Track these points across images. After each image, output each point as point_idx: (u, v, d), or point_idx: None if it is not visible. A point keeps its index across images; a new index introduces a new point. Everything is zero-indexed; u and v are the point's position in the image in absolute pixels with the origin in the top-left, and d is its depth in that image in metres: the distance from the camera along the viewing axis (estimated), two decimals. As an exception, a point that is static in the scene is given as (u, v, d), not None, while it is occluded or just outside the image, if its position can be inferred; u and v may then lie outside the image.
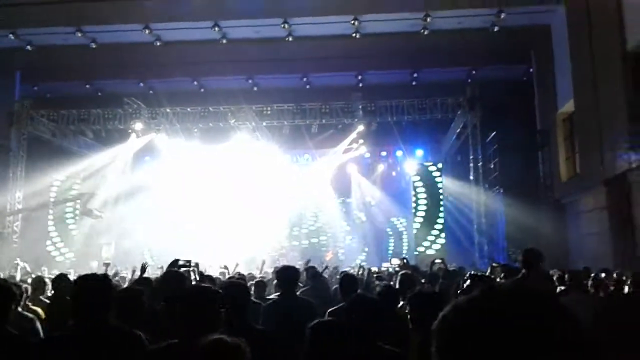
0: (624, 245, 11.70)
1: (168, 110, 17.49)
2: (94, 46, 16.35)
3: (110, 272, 9.05)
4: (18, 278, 8.47)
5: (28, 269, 11.12)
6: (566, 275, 7.14)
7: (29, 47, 16.41)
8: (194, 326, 2.88)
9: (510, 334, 0.82)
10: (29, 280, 7.16)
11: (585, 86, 13.49)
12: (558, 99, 15.70)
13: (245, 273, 8.90)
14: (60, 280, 6.33)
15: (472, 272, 4.57)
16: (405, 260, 6.03)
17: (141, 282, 5.26)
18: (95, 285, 3.02)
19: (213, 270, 9.32)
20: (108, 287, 3.06)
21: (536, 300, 0.88)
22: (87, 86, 19.01)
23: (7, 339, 2.96)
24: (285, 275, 5.31)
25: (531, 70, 17.81)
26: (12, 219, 17.17)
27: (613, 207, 12.30)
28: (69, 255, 19.44)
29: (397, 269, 6.21)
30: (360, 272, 8.04)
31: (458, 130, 18.30)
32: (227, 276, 7.88)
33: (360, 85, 19.01)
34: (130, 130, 17.74)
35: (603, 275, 7.67)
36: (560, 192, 15.82)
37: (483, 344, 0.83)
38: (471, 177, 17.29)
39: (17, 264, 10.60)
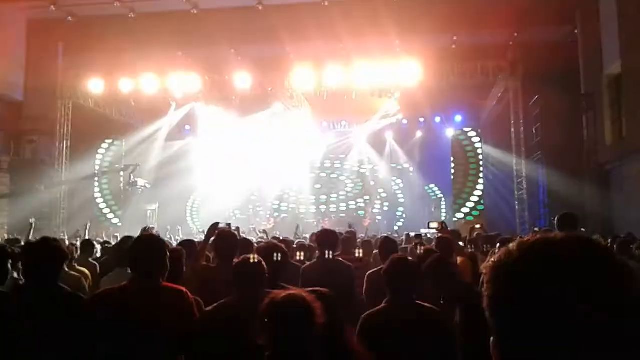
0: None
1: (207, 78, 17.61)
2: (132, 16, 16.53)
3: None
4: (67, 241, 8.83)
5: (81, 232, 11.64)
6: (609, 241, 7.04)
7: (70, 18, 16.71)
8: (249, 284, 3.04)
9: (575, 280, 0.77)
10: (78, 243, 7.47)
11: (633, 46, 12.97)
12: (604, 60, 15.15)
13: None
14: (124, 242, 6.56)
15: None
16: (444, 224, 6.01)
17: (184, 243, 5.43)
18: (152, 246, 3.17)
19: (251, 236, 9.51)
20: (163, 248, 3.20)
21: (598, 250, 0.82)
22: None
23: (60, 294, 3.13)
24: (325, 238, 5.40)
25: (576, 31, 17.18)
26: (63, 188, 17.80)
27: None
28: (115, 221, 20.08)
29: (435, 233, 6.22)
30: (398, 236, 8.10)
31: (499, 95, 17.89)
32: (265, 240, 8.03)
33: (398, 50, 18.68)
34: (171, 100, 18.01)
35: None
36: (605, 158, 15.39)
37: (547, 293, 0.78)
38: (512, 143, 16.95)
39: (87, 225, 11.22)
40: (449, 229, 8.48)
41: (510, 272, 0.83)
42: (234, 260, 4.79)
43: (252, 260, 3.26)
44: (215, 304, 3.26)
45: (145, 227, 5.53)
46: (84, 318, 3.00)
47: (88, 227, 11.78)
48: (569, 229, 4.72)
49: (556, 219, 4.90)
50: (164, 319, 2.99)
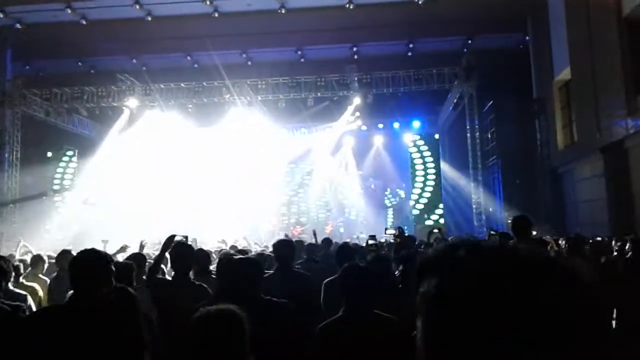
0: (621, 212, 11.75)
1: (162, 86, 17.33)
2: (84, 22, 16.17)
3: (109, 250, 9.07)
4: (17, 256, 8.48)
5: (30, 248, 11.15)
6: (560, 241, 7.19)
7: (18, 25, 16.24)
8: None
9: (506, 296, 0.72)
10: (28, 258, 7.18)
11: (581, 54, 13.39)
12: (554, 67, 15.60)
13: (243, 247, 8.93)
14: (64, 256, 6.35)
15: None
16: (399, 230, 6.01)
17: (135, 257, 5.28)
18: (93, 260, 3.02)
19: (210, 246, 9.34)
20: (105, 262, 3.06)
21: (534, 260, 0.77)
22: (80, 64, 18.82)
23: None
24: (282, 248, 5.31)
25: (527, 38, 17.65)
26: (12, 196, 17.19)
27: (610, 174, 12.31)
28: (68, 234, 19.47)
29: (392, 239, 6.23)
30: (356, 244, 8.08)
31: (455, 101, 18.18)
32: (223, 250, 7.89)
33: (355, 57, 18.86)
34: (124, 107, 17.61)
35: (599, 239, 7.72)
36: (557, 161, 15.82)
37: (482, 314, 0.72)
38: (468, 147, 17.24)
39: (19, 242, 10.66)
40: (407, 234, 8.51)
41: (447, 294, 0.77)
42: (190, 272, 4.71)
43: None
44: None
45: (172, 236, 5.41)
46: (20, 336, 2.85)
47: (23, 245, 11.20)
48: (523, 231, 4.80)
49: (511, 221, 4.98)
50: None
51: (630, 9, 11.37)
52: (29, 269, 6.47)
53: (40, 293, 5.66)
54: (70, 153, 19.74)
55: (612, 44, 11.78)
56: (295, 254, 5.80)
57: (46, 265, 6.76)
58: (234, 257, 4.17)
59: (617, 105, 11.71)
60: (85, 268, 2.97)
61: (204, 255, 5.39)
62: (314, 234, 9.53)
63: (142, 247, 6.56)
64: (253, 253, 7.42)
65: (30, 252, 10.21)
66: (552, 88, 15.93)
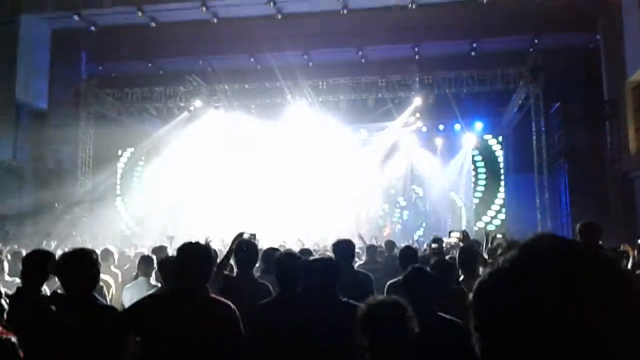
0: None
1: (226, 87, 17.77)
2: (154, 25, 16.76)
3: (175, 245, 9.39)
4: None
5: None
6: (635, 250, 6.89)
7: (92, 28, 17.00)
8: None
9: (546, 296, 0.75)
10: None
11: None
12: (627, 67, 14.91)
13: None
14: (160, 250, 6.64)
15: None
16: (464, 233, 5.94)
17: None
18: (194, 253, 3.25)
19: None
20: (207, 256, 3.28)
21: (584, 260, 0.79)
22: (149, 65, 19.51)
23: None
24: (341, 248, 5.35)
25: (598, 37, 16.96)
26: (83, 197, 18.05)
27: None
28: (136, 230, 20.24)
29: (456, 242, 6.14)
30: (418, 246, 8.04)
31: (520, 102, 17.71)
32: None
33: (417, 57, 18.65)
34: (191, 107, 18.18)
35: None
36: (629, 165, 15.12)
37: (518, 309, 0.77)
38: (534, 150, 16.74)
39: (78, 238, 11.23)
40: (471, 238, 8.38)
41: (487, 288, 0.83)
42: (253, 270, 4.82)
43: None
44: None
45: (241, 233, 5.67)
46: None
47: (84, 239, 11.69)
48: (591, 238, 4.64)
49: (577, 228, 4.82)
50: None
51: None
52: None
53: (113, 285, 5.94)
54: (134, 152, 20.49)
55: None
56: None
57: (117, 257, 7.10)
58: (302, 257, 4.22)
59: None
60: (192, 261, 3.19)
61: (271, 254, 5.49)
62: (360, 237, 9.57)
63: (207, 244, 6.76)
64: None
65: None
66: (625, 89, 15.23)
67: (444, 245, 7.12)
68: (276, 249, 5.82)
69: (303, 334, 3.14)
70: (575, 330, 0.75)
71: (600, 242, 6.98)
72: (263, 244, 10.42)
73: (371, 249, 7.97)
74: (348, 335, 2.53)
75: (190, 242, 3.35)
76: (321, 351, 3.10)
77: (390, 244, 8.66)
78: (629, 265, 6.14)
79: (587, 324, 0.74)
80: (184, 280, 3.18)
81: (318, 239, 12.34)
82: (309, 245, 9.93)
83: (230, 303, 3.18)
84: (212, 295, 3.19)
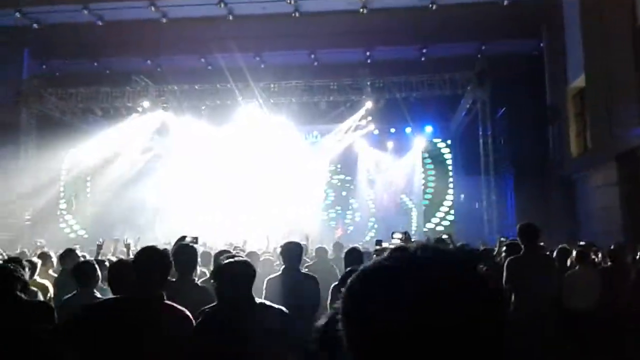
0: (635, 220, 11.63)
1: (175, 87, 17.47)
2: (100, 24, 16.34)
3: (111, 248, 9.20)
4: (28, 254, 8.60)
5: (45, 248, 11.29)
6: (574, 252, 7.15)
7: (35, 25, 16.42)
8: None
9: (404, 299, 0.78)
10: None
11: (596, 61, 13.29)
12: (569, 73, 15.49)
13: (255, 249, 8.96)
14: (68, 254, 6.45)
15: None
16: (406, 235, 6.01)
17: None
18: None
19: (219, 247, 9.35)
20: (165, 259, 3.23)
21: (441, 266, 0.82)
22: (95, 64, 19.00)
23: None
24: (289, 250, 5.34)
25: (542, 44, 17.54)
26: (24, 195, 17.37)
27: (623, 183, 12.20)
28: (81, 233, 19.66)
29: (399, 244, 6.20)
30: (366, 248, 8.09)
31: (468, 106, 18.13)
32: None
33: (369, 61, 18.84)
34: (138, 108, 17.77)
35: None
36: (571, 168, 15.69)
37: (378, 309, 0.80)
38: (481, 153, 17.16)
39: (36, 242, 10.84)
40: (418, 239, 8.49)
41: (354, 288, 0.86)
42: (194, 274, 4.72)
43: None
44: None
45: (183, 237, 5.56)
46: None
47: (40, 244, 11.35)
48: (530, 239, 4.78)
49: (517, 229, 4.97)
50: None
51: (645, 17, 11.29)
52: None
53: (51, 289, 5.73)
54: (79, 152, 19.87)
55: (627, 52, 11.69)
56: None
57: (55, 261, 6.86)
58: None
59: (631, 113, 11.60)
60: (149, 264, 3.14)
61: (209, 257, 5.42)
62: (306, 238, 9.61)
63: (127, 247, 6.65)
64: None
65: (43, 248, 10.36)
66: (566, 95, 15.81)
67: (385, 247, 7.18)
68: (209, 253, 5.77)
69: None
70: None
71: (542, 243, 7.21)
72: (216, 245, 10.29)
73: (320, 250, 7.99)
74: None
75: (150, 247, 3.28)
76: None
77: (339, 246, 8.70)
78: (569, 263, 6.33)
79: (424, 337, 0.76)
80: (140, 287, 3.11)
81: (266, 241, 12.24)
82: (254, 246, 9.86)
83: (185, 311, 3.12)
84: (167, 302, 3.12)
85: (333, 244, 9.18)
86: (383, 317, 0.79)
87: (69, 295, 4.57)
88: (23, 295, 3.77)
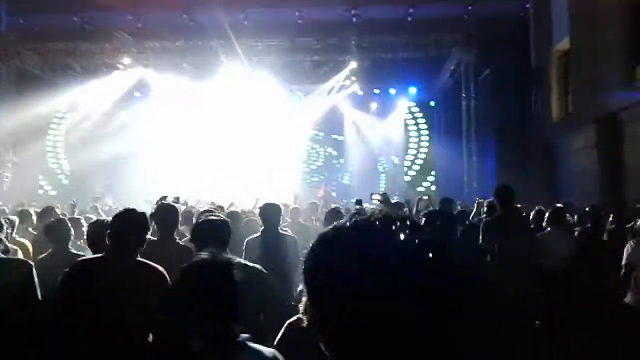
0: (612, 184, 11.84)
1: (157, 44, 17.13)
2: (80, -24, 15.86)
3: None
4: (7, 211, 8.56)
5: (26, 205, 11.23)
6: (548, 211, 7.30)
7: (12, -22, 15.90)
8: None
9: (357, 266, 0.82)
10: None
11: (581, 24, 13.25)
12: (554, 36, 15.44)
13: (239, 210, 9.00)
14: (47, 212, 6.45)
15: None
16: (385, 196, 6.09)
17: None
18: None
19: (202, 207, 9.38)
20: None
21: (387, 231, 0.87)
22: (75, 19, 18.46)
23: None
24: (267, 211, 5.39)
25: (528, 6, 17.39)
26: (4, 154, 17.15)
27: (603, 146, 12.35)
28: (62, 191, 19.54)
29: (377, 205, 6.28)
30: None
31: (452, 68, 18.07)
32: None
33: (354, 20, 18.54)
34: (119, 65, 17.45)
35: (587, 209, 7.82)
36: (552, 132, 15.81)
37: (334, 276, 0.84)
38: (463, 116, 17.21)
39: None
40: (398, 200, 8.59)
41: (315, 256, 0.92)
42: (175, 233, 4.76)
43: None
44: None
45: (164, 197, 5.62)
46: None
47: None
48: (505, 201, 4.87)
49: (494, 191, 5.07)
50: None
51: (632, -20, 11.24)
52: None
53: (30, 248, 5.73)
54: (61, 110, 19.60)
55: (612, 16, 11.67)
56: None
57: (35, 219, 6.85)
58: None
59: (614, 77, 11.67)
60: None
61: (191, 216, 5.45)
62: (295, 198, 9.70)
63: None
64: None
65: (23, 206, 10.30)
66: (551, 58, 15.78)
67: (365, 207, 7.27)
68: (191, 212, 5.79)
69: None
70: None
71: (519, 205, 7.33)
72: (199, 206, 10.30)
73: (295, 212, 8.08)
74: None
75: (128, 210, 3.33)
76: None
77: (314, 206, 8.81)
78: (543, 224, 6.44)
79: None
80: (116, 247, 3.16)
81: (255, 202, 12.31)
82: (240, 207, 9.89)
83: (159, 268, 3.17)
84: (140, 259, 3.18)
85: (308, 204, 9.29)
86: (331, 280, 0.85)
87: (44, 254, 4.59)
88: (1, 255, 3.79)
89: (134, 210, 3.36)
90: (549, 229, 5.87)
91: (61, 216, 6.05)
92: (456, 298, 0.84)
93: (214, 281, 2.12)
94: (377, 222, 0.89)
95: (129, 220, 3.24)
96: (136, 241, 3.22)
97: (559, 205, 7.04)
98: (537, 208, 7.14)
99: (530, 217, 6.52)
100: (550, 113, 15.84)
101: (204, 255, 2.24)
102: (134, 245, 3.21)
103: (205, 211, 5.99)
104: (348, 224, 0.91)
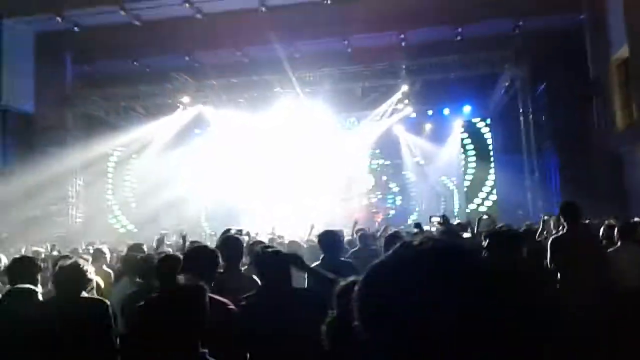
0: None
1: (214, 82, 17.76)
2: (137, 23, 16.69)
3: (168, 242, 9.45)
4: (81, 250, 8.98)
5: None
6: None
7: (76, 29, 16.90)
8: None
9: (413, 291, 0.84)
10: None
11: (639, 29, 12.85)
12: (611, 44, 15.00)
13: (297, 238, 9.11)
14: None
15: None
16: (444, 218, 6.03)
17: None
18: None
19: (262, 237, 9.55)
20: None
21: (444, 257, 0.89)
22: (135, 63, 19.43)
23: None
24: (327, 239, 5.41)
25: (581, 17, 17.00)
26: (74, 193, 18.00)
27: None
28: (130, 227, 20.27)
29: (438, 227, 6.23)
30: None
31: (506, 85, 17.79)
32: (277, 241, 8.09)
33: (403, 44, 18.64)
34: (178, 104, 18.18)
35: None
36: (617, 142, 15.23)
37: (387, 301, 0.86)
38: (522, 132, 16.86)
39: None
40: (460, 221, 8.47)
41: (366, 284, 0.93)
42: (240, 264, 4.88)
43: None
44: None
45: (228, 230, 5.83)
46: None
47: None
48: (572, 217, 4.74)
49: (559, 207, 4.95)
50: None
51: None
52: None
53: (102, 285, 5.97)
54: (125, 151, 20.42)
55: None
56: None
57: (109, 257, 7.15)
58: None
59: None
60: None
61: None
62: (355, 223, 9.69)
63: (184, 237, 6.84)
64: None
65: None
66: (610, 67, 15.31)
67: (424, 230, 7.20)
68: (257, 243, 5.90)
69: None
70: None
71: (588, 220, 7.08)
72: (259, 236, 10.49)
73: (363, 237, 8.05)
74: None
75: (199, 244, 3.55)
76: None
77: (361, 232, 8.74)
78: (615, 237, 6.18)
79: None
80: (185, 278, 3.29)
81: (310, 229, 12.39)
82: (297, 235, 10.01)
83: (227, 302, 3.29)
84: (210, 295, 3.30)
85: (355, 231, 9.17)
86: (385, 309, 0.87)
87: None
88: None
89: (205, 245, 3.52)
90: (619, 243, 5.65)
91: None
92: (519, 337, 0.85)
93: None
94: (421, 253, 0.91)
95: (201, 253, 3.39)
96: (209, 274, 3.35)
97: (636, 219, 6.78)
98: (606, 222, 6.90)
99: (601, 232, 6.29)
100: (614, 122, 15.30)
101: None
102: (207, 277, 3.31)
103: (256, 242, 6.13)
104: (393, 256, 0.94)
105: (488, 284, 0.87)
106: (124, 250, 9.22)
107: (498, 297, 0.86)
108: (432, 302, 0.83)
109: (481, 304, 0.83)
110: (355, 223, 10.83)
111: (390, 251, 0.96)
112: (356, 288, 0.94)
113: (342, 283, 2.82)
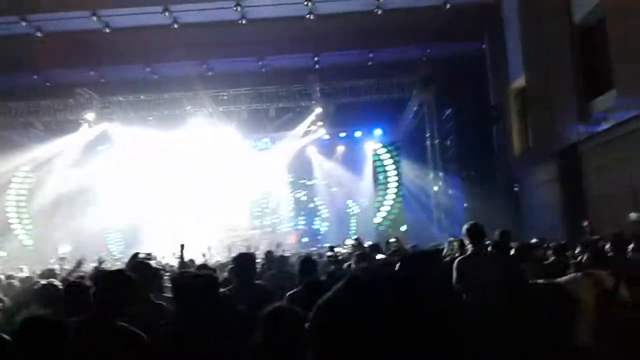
0: (574, 216, 12.05)
1: (121, 98, 17.10)
2: (39, 35, 15.83)
3: (67, 267, 8.89)
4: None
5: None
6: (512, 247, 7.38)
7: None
8: None
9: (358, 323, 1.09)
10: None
11: (535, 61, 13.79)
12: (510, 74, 16.00)
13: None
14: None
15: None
16: (358, 241, 6.10)
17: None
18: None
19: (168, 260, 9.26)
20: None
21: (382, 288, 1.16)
22: (35, 77, 18.40)
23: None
24: (242, 262, 5.29)
25: (484, 46, 18.05)
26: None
27: (564, 179, 12.66)
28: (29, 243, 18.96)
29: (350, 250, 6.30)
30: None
31: (415, 109, 18.47)
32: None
33: (317, 67, 18.95)
34: (81, 121, 17.29)
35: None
36: (514, 166, 16.18)
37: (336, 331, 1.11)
38: (429, 154, 17.52)
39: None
40: (370, 242, 8.58)
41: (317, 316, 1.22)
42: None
43: None
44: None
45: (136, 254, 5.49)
46: None
47: None
48: (476, 238, 4.94)
49: (464, 229, 5.16)
50: None
51: (581, 17, 11.78)
52: None
53: None
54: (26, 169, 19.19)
55: (564, 51, 12.17)
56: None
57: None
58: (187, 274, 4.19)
59: (570, 111, 12.08)
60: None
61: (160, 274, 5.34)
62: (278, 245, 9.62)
63: (100, 262, 6.49)
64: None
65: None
66: (509, 95, 16.31)
67: (337, 252, 7.27)
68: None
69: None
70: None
71: (488, 242, 7.39)
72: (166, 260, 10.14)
73: (278, 260, 7.92)
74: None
75: (110, 273, 3.40)
76: None
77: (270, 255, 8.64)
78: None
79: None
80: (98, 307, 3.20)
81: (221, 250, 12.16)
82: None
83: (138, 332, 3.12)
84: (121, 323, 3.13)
85: (264, 253, 8.90)
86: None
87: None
88: None
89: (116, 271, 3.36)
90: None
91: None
92: None
93: None
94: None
95: (112, 281, 3.24)
96: (119, 302, 3.25)
97: (534, 241, 7.14)
98: (517, 245, 7.24)
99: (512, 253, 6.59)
100: (511, 147, 16.25)
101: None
102: (117, 304, 3.25)
103: (201, 266, 5.94)
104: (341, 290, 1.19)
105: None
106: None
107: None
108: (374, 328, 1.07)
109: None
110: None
111: (341, 285, 1.18)
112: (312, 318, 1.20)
113: (268, 308, 2.80)
